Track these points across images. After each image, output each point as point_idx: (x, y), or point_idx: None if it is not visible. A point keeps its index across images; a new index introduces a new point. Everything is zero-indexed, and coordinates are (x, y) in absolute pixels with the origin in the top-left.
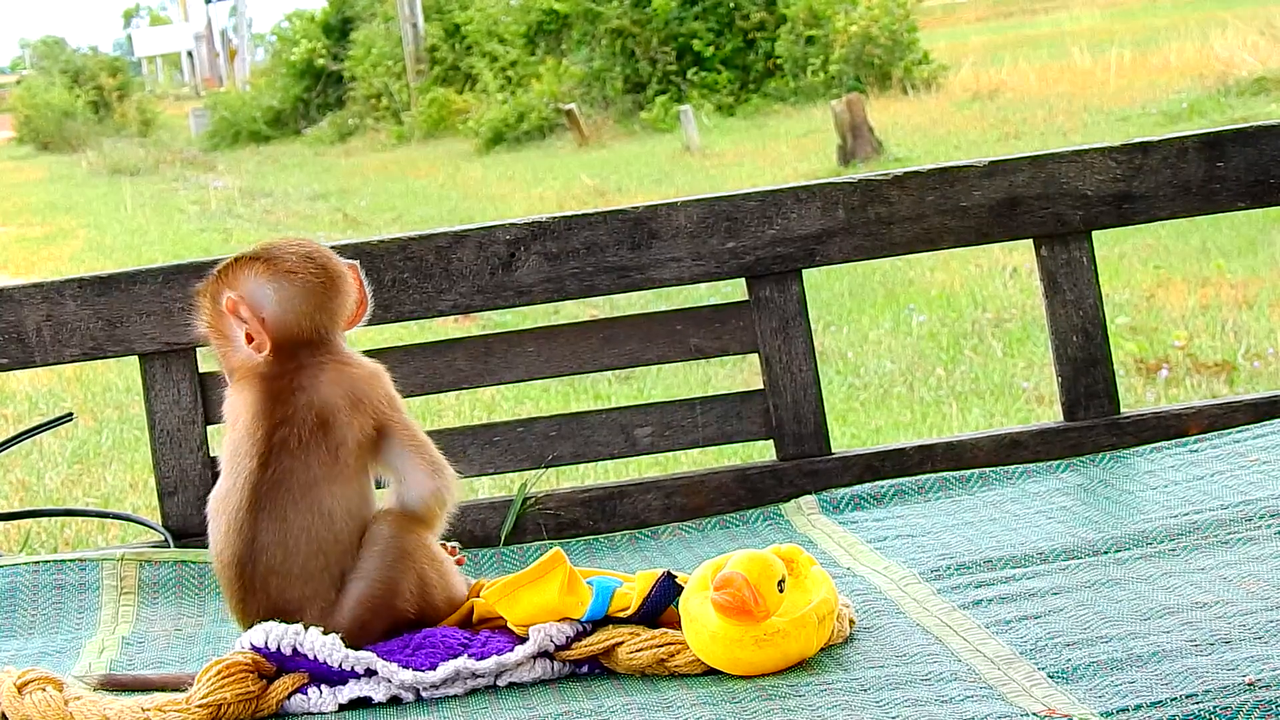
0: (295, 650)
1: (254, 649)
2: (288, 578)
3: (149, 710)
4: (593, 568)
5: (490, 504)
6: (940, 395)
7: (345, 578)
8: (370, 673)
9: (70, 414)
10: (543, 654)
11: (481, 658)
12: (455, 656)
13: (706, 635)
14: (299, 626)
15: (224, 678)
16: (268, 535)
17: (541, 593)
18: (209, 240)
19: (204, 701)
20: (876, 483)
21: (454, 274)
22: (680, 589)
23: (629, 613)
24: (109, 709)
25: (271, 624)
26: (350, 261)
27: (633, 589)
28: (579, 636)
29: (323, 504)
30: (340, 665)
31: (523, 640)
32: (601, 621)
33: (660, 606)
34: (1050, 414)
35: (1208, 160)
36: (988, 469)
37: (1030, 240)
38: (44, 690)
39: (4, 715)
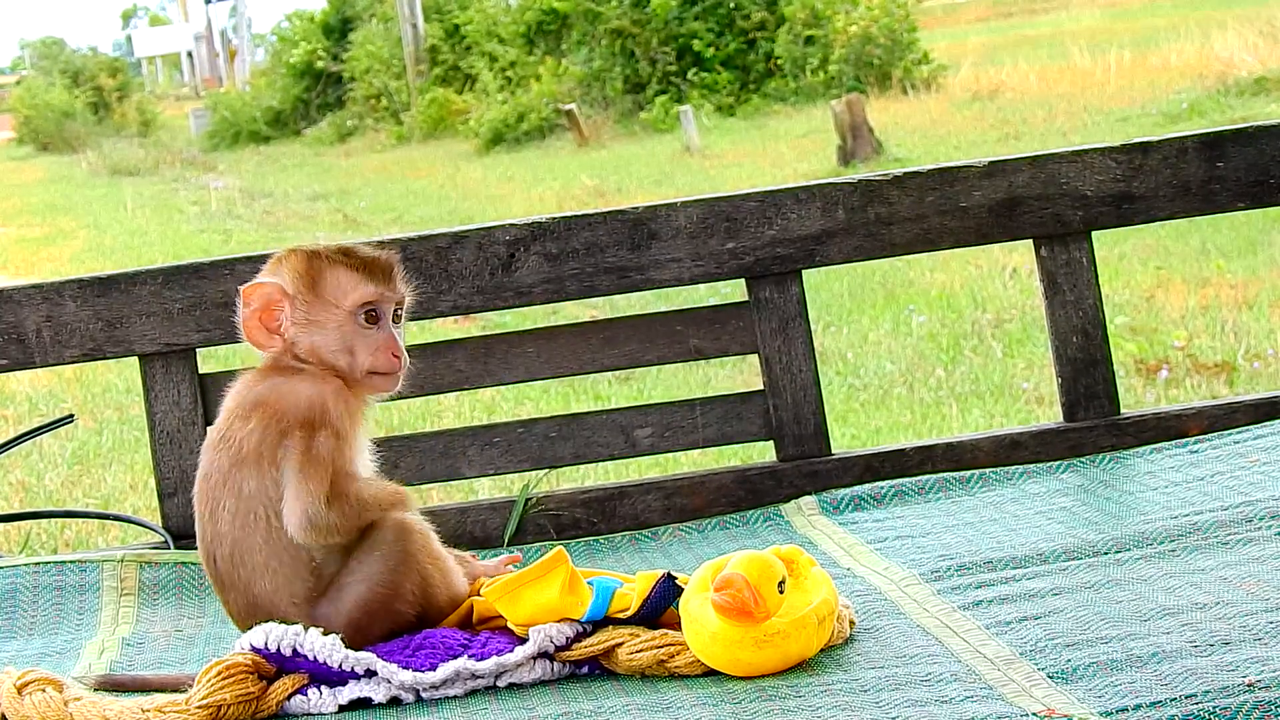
0: (295, 651)
1: (254, 650)
2: (249, 570)
3: (149, 711)
4: (593, 569)
5: (491, 505)
6: (940, 396)
7: (314, 573)
8: (370, 673)
9: (71, 415)
10: (543, 655)
11: (481, 658)
12: (455, 657)
13: (707, 636)
14: (298, 627)
15: (224, 679)
16: (216, 525)
17: (543, 591)
18: (209, 241)
19: (204, 703)
20: (876, 483)
21: (454, 274)
22: (680, 590)
23: (629, 613)
24: (109, 710)
25: (271, 625)
26: (261, 281)
27: (633, 590)
28: (579, 637)
29: (242, 488)
30: (340, 666)
31: (523, 641)
32: (601, 622)
33: (660, 608)
34: (1050, 414)
35: (1208, 160)
36: (988, 470)
37: (1030, 240)
38: (44, 691)
39: (4, 716)
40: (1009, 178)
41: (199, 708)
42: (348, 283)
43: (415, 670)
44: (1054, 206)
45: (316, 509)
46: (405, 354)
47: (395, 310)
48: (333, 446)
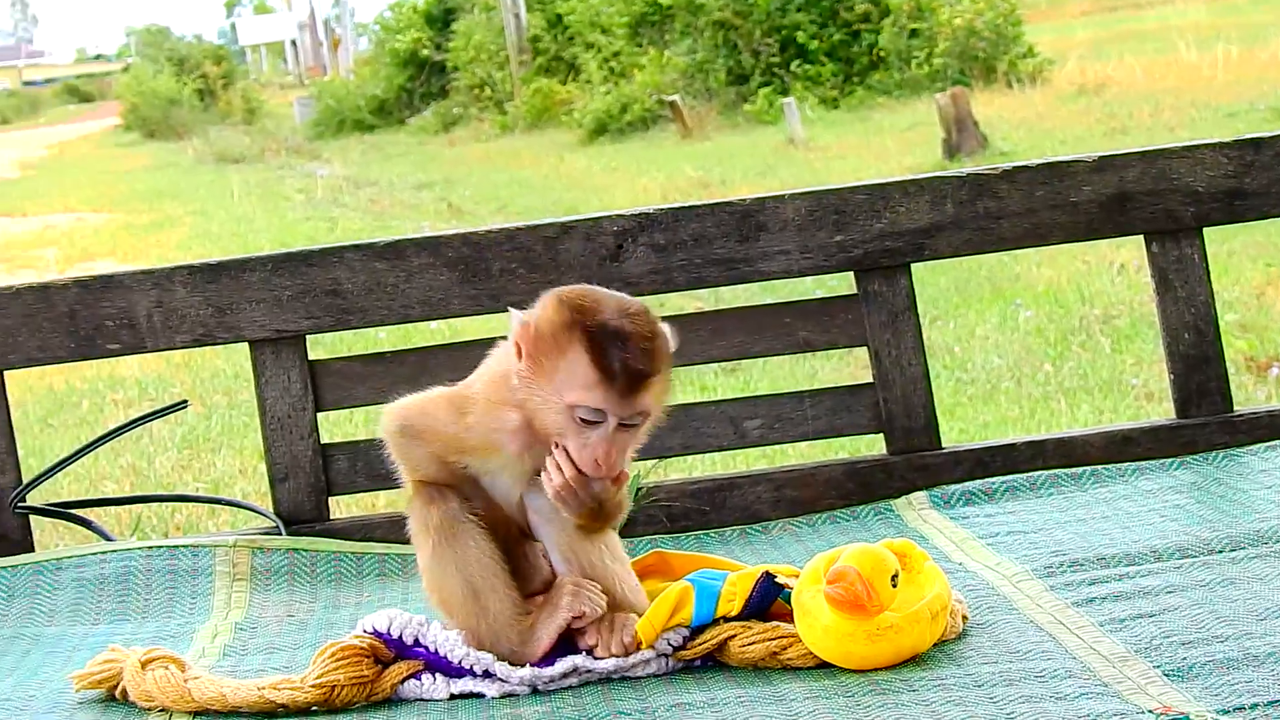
0: (417, 640)
1: (374, 633)
2: None
3: (264, 689)
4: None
5: None
6: (1048, 391)
7: None
8: (487, 674)
9: (185, 401)
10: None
11: (599, 657)
12: (573, 653)
13: (819, 629)
14: (423, 617)
15: (338, 660)
16: None
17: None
18: (314, 228)
19: (318, 682)
20: (988, 478)
21: (562, 265)
22: (780, 588)
23: (733, 615)
24: (225, 687)
25: (396, 611)
26: (524, 318)
27: (734, 590)
28: (693, 635)
29: None
30: (460, 663)
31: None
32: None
33: (762, 607)
34: (1159, 411)
35: None
36: (1099, 466)
37: (1140, 236)
38: (166, 669)
39: (125, 690)
40: (1119, 173)
41: (312, 686)
42: (580, 380)
43: (534, 666)
44: (1165, 202)
45: (392, 405)
46: (616, 465)
47: (632, 418)
48: (448, 421)
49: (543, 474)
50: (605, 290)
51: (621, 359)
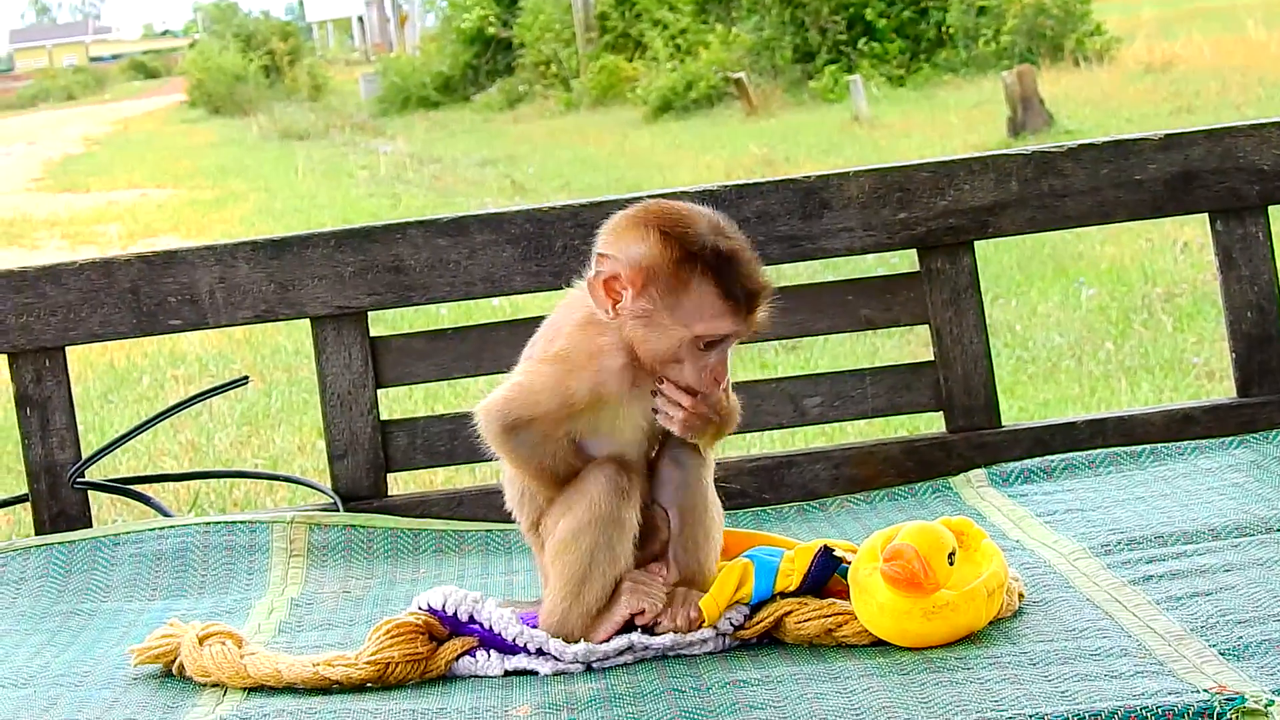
0: (471, 617)
1: (430, 610)
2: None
3: (319, 665)
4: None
5: None
6: (1109, 369)
7: (531, 499)
8: (541, 652)
9: (246, 377)
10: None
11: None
12: (629, 630)
13: (875, 606)
14: (478, 594)
15: (393, 637)
16: None
17: (723, 589)
18: (378, 205)
19: (372, 658)
20: (1046, 457)
21: None
22: (838, 561)
23: (791, 590)
24: (280, 663)
25: (451, 588)
26: (620, 257)
27: (793, 566)
28: (752, 613)
29: None
30: (514, 640)
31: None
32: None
33: (821, 581)
34: (1220, 390)
35: None
36: (1159, 444)
37: (1205, 215)
38: (223, 644)
39: (182, 665)
40: (1185, 151)
41: (367, 663)
42: (709, 310)
43: (588, 643)
44: (1230, 180)
45: (486, 406)
46: (727, 380)
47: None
48: (552, 391)
49: (659, 415)
50: (681, 205)
51: (743, 283)
